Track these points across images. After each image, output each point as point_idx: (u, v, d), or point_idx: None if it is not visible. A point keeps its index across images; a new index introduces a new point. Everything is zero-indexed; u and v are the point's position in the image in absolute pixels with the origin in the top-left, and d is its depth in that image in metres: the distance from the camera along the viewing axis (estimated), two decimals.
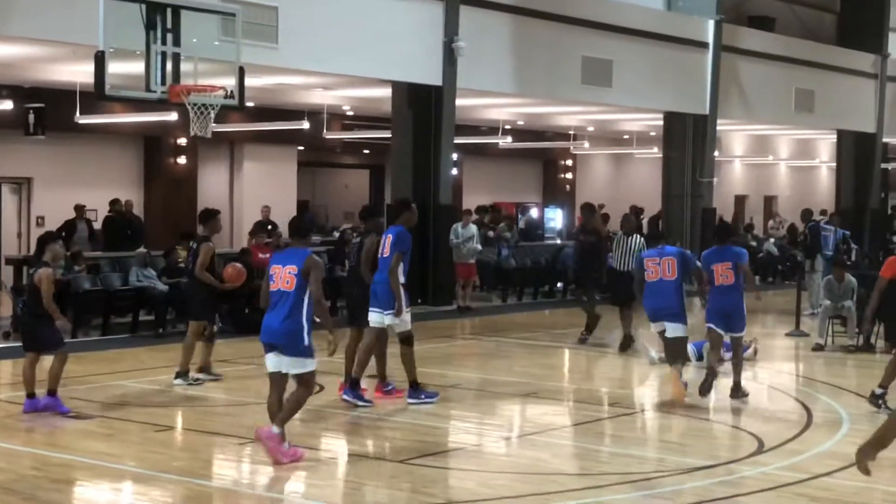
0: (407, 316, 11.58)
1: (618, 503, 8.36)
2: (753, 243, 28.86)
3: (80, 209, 21.78)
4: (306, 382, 9.33)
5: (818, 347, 16.24)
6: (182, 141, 24.98)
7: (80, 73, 18.95)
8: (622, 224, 16.99)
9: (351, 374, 11.78)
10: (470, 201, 28.85)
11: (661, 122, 27.56)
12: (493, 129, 29.41)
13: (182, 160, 25.55)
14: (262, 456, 9.34)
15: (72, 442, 10.09)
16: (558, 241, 28.98)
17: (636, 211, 26.69)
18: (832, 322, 16.56)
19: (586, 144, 33.65)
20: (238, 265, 13.60)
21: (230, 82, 14.11)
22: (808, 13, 32.68)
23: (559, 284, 23.63)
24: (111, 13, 13.05)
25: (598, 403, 12.59)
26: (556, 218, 33.98)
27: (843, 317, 16.58)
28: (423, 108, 21.03)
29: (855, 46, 31.53)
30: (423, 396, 11.80)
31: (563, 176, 35.70)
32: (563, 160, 35.47)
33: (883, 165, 33.89)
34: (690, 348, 13.55)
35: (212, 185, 26.85)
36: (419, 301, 19.82)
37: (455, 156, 23.28)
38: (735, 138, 36.20)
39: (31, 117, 21.68)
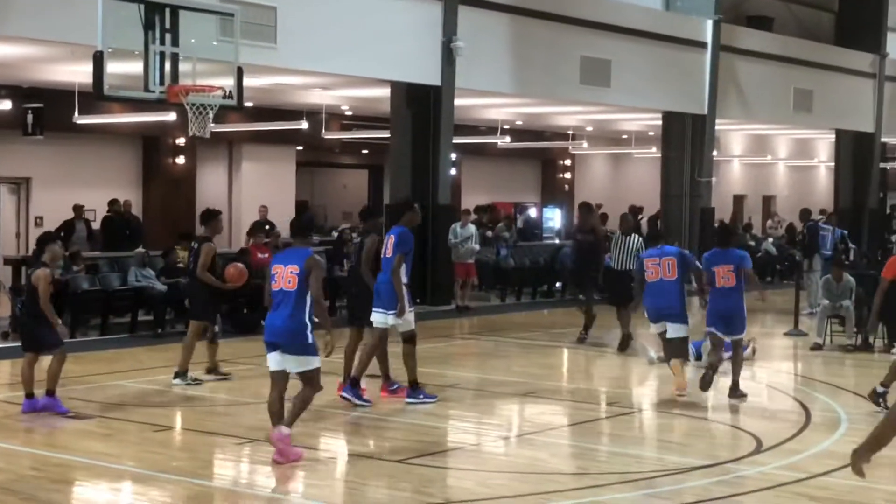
0: (410, 316, 11.59)
1: (616, 503, 8.35)
2: (752, 243, 28.88)
3: (78, 209, 21.78)
4: (311, 381, 9.33)
5: (816, 347, 16.26)
6: (181, 141, 24.94)
7: (78, 73, 18.90)
8: (620, 224, 16.99)
9: (351, 374, 11.79)
10: (469, 201, 28.83)
11: (660, 122, 27.56)
12: (491, 129, 29.39)
13: (181, 160, 25.52)
14: (261, 456, 9.35)
15: (70, 442, 10.09)
16: (557, 241, 28.98)
17: (635, 211, 26.65)
18: (830, 321, 16.59)
19: (585, 144, 33.65)
20: (240, 265, 13.57)
21: (229, 82, 14.11)
22: (806, 13, 32.66)
23: (557, 284, 23.64)
24: (110, 13, 13.05)
25: (596, 403, 12.60)
26: (554, 218, 33.95)
27: (842, 316, 16.60)
28: (422, 108, 21.03)
29: (853, 46, 31.51)
30: (421, 396, 11.81)
31: (561, 176, 35.67)
32: (562, 160, 35.44)
33: (881, 165, 33.85)
34: (689, 348, 13.54)
35: (210, 185, 26.82)
36: (417, 301, 19.77)
37: (454, 156, 23.28)
38: (733, 138, 36.18)
39: (30, 117, 21.68)
